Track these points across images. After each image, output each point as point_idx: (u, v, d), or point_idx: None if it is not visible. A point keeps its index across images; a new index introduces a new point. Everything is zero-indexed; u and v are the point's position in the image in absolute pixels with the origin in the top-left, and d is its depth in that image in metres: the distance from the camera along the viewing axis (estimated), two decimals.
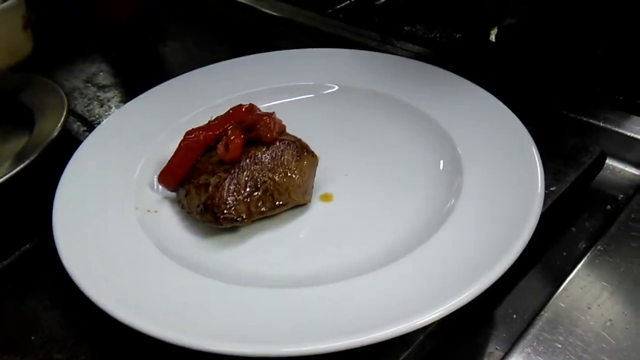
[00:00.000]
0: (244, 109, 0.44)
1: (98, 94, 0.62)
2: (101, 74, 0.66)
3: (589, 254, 0.39)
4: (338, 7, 0.80)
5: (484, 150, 0.41)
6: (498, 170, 0.39)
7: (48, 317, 0.37)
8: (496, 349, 0.36)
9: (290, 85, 0.53)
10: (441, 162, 0.43)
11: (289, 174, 0.40)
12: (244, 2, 0.81)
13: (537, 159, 0.39)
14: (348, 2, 0.80)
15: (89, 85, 0.64)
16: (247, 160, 0.39)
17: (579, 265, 0.38)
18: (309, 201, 0.41)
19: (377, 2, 0.78)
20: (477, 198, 0.38)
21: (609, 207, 0.45)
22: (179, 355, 0.31)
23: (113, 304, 0.32)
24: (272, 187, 0.39)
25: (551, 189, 0.42)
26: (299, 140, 0.42)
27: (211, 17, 0.81)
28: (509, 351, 0.33)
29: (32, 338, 0.36)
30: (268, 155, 0.40)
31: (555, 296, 0.36)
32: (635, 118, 0.51)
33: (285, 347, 0.29)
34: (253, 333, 0.30)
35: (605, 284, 0.36)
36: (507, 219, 0.35)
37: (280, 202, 0.40)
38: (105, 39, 0.75)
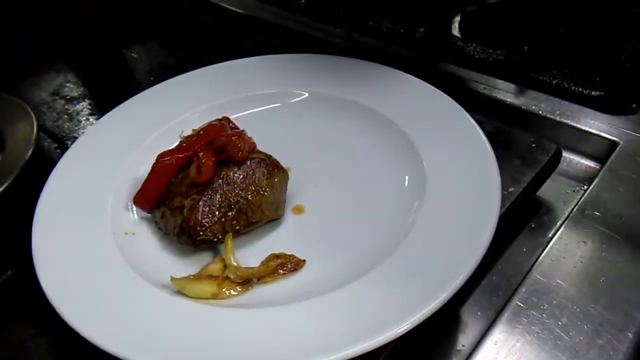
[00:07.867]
0: (215, 127, 0.45)
1: (67, 106, 0.62)
2: (68, 85, 0.65)
3: (545, 250, 0.42)
4: (302, 1, 0.80)
5: (447, 164, 0.43)
6: (458, 186, 0.41)
7: (35, 345, 0.38)
8: (462, 346, 0.38)
9: (259, 93, 0.54)
10: (406, 177, 0.44)
11: (261, 192, 0.41)
12: None
13: (496, 181, 0.40)
14: None
15: (57, 98, 0.63)
16: (220, 181, 0.40)
17: (538, 261, 0.41)
18: (282, 215, 0.43)
19: None
20: (437, 215, 0.39)
21: (564, 201, 0.48)
22: None
23: (95, 332, 0.34)
24: (245, 206, 0.41)
25: (510, 189, 0.44)
26: (269, 157, 0.43)
27: (175, 17, 0.81)
28: (475, 348, 0.36)
29: None
30: (240, 174, 0.41)
31: (515, 294, 0.39)
32: (588, 111, 0.53)
33: None
34: (228, 353, 0.32)
35: (560, 281, 0.39)
36: (464, 236, 0.37)
37: (254, 220, 0.41)
38: (69, 45, 0.74)
